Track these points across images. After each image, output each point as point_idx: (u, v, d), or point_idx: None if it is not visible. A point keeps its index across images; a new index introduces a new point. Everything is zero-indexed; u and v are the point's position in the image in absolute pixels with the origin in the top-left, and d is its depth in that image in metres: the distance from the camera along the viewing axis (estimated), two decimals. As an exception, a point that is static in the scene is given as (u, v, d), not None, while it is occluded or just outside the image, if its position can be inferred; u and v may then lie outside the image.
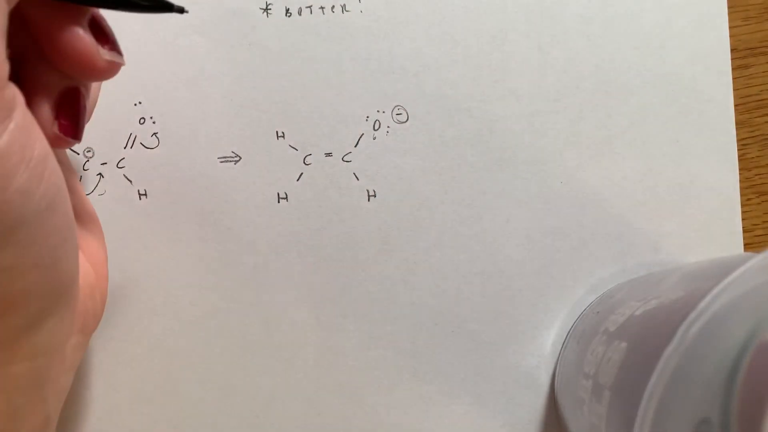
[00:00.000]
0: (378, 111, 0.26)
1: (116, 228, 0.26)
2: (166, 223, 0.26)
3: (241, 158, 0.26)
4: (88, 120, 0.20)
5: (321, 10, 0.26)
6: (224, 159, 0.26)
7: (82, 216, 0.22)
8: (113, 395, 0.26)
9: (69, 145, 0.19)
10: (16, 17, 0.17)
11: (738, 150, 0.25)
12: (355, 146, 0.26)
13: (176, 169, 0.26)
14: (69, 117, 0.18)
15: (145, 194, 0.26)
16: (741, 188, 0.25)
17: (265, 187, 0.26)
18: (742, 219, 0.25)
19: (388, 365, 0.25)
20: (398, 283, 0.26)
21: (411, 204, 0.26)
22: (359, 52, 0.26)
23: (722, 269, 0.15)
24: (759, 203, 0.26)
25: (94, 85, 0.21)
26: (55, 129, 0.18)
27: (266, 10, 0.26)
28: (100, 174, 0.26)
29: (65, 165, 0.21)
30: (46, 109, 0.18)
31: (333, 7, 0.26)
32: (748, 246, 0.25)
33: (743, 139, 0.26)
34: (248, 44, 0.26)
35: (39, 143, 0.15)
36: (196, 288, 0.26)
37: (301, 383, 0.26)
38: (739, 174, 0.25)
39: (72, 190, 0.20)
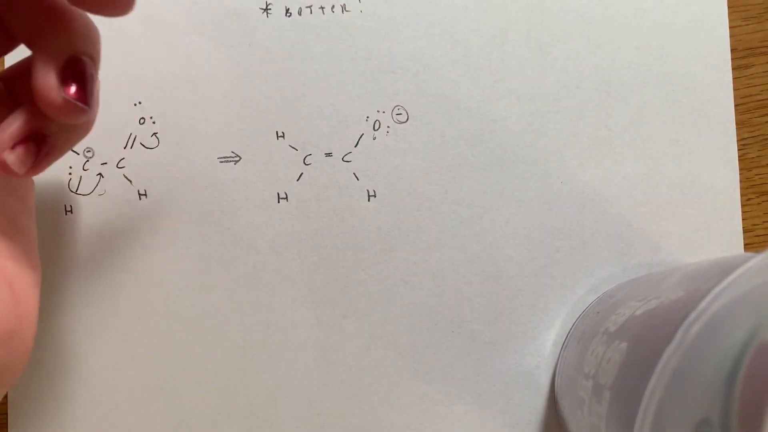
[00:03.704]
0: (378, 111, 0.26)
1: (116, 228, 0.26)
2: (166, 223, 0.26)
3: (241, 158, 0.26)
4: (97, 94, 0.20)
5: (321, 10, 0.26)
6: (224, 159, 0.26)
7: (22, 258, 0.20)
8: (113, 395, 0.26)
9: (82, 114, 0.18)
10: None
11: (738, 150, 0.25)
12: (355, 146, 0.26)
13: (176, 169, 0.26)
14: (77, 82, 0.18)
15: (145, 194, 0.26)
16: (741, 188, 0.25)
17: (265, 187, 0.26)
18: (743, 219, 0.25)
19: (388, 365, 0.25)
20: (398, 283, 0.26)
21: (411, 204, 0.26)
22: (359, 52, 0.26)
23: (722, 269, 0.15)
24: (759, 203, 0.26)
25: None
26: (63, 93, 0.18)
27: (266, 10, 0.26)
28: (100, 174, 0.26)
29: (27, 206, 0.20)
30: (52, 76, 0.18)
31: (333, 7, 0.26)
32: (748, 246, 0.25)
33: (743, 139, 0.26)
34: (248, 44, 0.26)
35: None
36: (196, 288, 0.26)
37: (301, 383, 0.26)
38: (740, 174, 0.25)
39: (21, 231, 0.20)
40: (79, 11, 0.19)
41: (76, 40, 0.18)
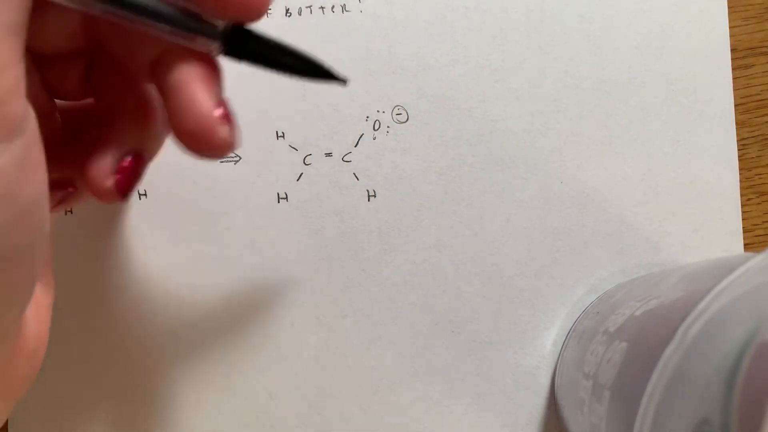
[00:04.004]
0: (378, 111, 0.26)
1: (116, 228, 0.26)
2: (166, 223, 0.26)
3: (241, 158, 0.26)
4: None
5: (321, 10, 0.26)
6: (224, 159, 0.26)
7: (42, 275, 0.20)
8: (113, 395, 0.26)
9: (112, 202, 0.18)
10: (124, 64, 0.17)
11: (738, 150, 0.25)
12: (355, 146, 0.26)
13: (176, 169, 0.26)
14: (127, 177, 0.18)
15: (145, 194, 0.26)
16: (741, 188, 0.25)
17: (265, 187, 0.26)
18: (742, 219, 0.25)
19: (388, 365, 0.25)
20: (398, 283, 0.26)
21: (411, 204, 0.26)
22: (359, 52, 0.26)
23: (722, 269, 0.15)
24: (759, 203, 0.26)
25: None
26: (110, 183, 0.18)
27: (266, 10, 0.26)
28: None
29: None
30: (108, 161, 0.18)
31: (333, 7, 0.26)
32: (748, 246, 0.25)
33: (743, 139, 0.26)
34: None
35: (33, 186, 0.14)
36: (196, 288, 0.26)
37: (301, 383, 0.26)
38: (740, 174, 0.25)
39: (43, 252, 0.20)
40: (160, 110, 0.19)
41: (148, 138, 0.19)
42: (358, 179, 0.26)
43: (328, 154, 0.26)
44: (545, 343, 0.25)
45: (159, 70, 0.17)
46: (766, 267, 0.15)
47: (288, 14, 0.26)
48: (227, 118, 0.17)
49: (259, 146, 0.26)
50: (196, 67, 0.17)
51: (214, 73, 0.17)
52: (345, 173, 0.26)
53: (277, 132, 0.26)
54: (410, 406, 0.25)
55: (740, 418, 0.13)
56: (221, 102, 0.17)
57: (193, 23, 0.16)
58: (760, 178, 0.26)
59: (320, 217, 0.26)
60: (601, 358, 0.19)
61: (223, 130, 0.17)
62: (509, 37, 0.26)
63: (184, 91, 0.16)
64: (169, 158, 0.26)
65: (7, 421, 0.26)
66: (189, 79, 0.16)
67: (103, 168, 0.18)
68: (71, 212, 0.26)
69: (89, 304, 0.26)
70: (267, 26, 0.26)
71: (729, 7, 0.25)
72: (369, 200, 0.26)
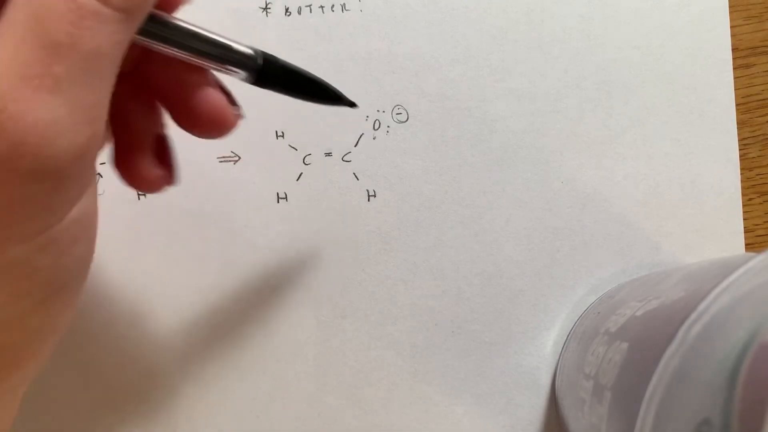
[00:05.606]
0: (378, 111, 0.26)
1: (116, 228, 0.26)
2: (166, 223, 0.26)
3: (240, 158, 0.26)
4: None
5: (321, 9, 0.26)
6: (224, 159, 0.26)
7: None
8: (113, 395, 0.26)
9: (164, 188, 0.20)
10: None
11: (739, 150, 0.25)
12: (355, 146, 0.26)
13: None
14: (169, 159, 0.20)
15: (145, 194, 0.26)
16: (742, 188, 0.25)
17: (264, 187, 0.26)
18: (744, 219, 0.25)
19: (388, 365, 0.25)
20: (398, 283, 0.26)
21: (411, 204, 0.26)
22: (359, 51, 0.26)
23: (723, 269, 0.15)
24: (760, 203, 0.26)
25: None
26: (159, 171, 0.19)
27: (266, 9, 0.26)
28: (99, 174, 0.26)
29: None
30: (148, 154, 0.19)
31: (333, 6, 0.26)
32: (749, 246, 0.25)
33: (744, 138, 0.25)
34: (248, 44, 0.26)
35: (97, 219, 0.16)
36: (196, 288, 0.26)
37: (301, 383, 0.25)
38: (741, 174, 0.25)
39: None
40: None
41: (161, 120, 0.21)
42: (358, 179, 0.26)
43: (328, 154, 0.26)
44: (546, 343, 0.25)
45: (162, 76, 0.18)
46: (766, 267, 0.15)
47: (288, 13, 0.26)
48: (231, 98, 0.19)
49: (259, 146, 0.26)
50: (197, 67, 0.18)
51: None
52: (345, 173, 0.26)
53: (277, 132, 0.26)
54: (410, 407, 0.25)
55: (741, 418, 0.13)
56: (222, 87, 0.19)
57: (233, 57, 0.18)
58: (761, 178, 0.26)
59: (320, 217, 0.26)
60: (601, 358, 0.19)
61: (235, 110, 0.19)
62: (509, 37, 0.26)
63: (199, 88, 0.18)
64: (169, 158, 0.26)
65: (6, 421, 0.25)
66: (199, 79, 0.18)
67: (147, 162, 0.19)
68: (71, 212, 0.26)
69: (88, 305, 0.26)
70: (266, 25, 0.26)
71: (730, 7, 0.25)
72: (369, 200, 0.26)
